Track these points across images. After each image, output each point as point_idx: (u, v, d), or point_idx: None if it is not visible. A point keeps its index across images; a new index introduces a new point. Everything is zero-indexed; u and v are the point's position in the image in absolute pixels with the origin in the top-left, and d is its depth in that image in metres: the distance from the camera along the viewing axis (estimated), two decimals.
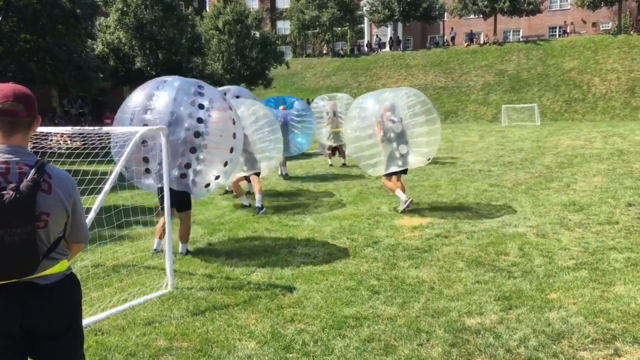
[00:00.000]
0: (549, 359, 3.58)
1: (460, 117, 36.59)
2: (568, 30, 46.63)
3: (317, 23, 50.82)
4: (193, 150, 5.94)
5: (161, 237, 6.20)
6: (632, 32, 40.08)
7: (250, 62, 36.97)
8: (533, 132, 23.67)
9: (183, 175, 5.99)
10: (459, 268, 5.55)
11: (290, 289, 5.03)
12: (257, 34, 39.30)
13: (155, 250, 6.34)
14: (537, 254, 5.95)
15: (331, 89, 43.09)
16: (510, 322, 4.17)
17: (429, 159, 8.48)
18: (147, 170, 5.94)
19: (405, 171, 8.46)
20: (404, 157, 8.10)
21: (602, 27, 46.62)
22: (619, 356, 3.59)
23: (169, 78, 6.32)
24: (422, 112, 8.13)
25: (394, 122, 8.03)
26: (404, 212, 8.20)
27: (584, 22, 47.04)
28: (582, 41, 40.53)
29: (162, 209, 5.42)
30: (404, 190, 8.44)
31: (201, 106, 6.04)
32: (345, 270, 5.58)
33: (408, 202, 8.23)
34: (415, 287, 5.02)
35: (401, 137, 8.05)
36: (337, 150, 14.85)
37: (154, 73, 25.36)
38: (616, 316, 4.21)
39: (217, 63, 35.87)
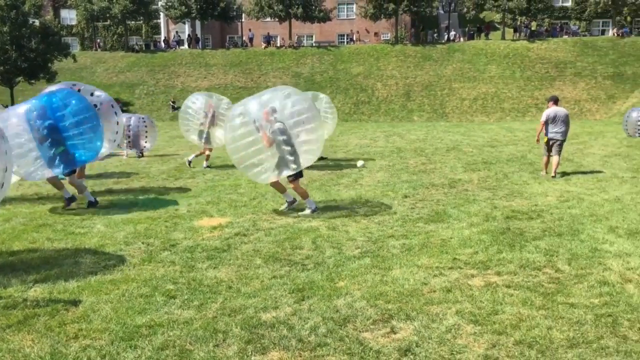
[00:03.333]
0: (336, 343, 3.83)
1: None
2: (354, 38, 50.81)
3: (107, 15, 47.53)
4: None
5: None
6: (407, 43, 45.28)
7: (28, 54, 33.08)
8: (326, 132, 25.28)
9: None
10: (256, 265, 5.66)
11: (75, 303, 4.60)
12: (37, 22, 35.29)
13: None
14: (328, 245, 6.35)
15: (125, 86, 40.77)
16: (303, 312, 4.37)
17: (319, 156, 8.46)
18: None
19: (300, 173, 8.19)
20: (295, 159, 7.81)
21: (383, 37, 51.79)
22: (395, 333, 4.01)
23: None
24: (305, 111, 7.89)
25: (277, 124, 7.68)
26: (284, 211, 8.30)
27: (368, 31, 51.73)
28: (366, 49, 44.55)
29: None
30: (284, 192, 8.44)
31: None
32: (139, 277, 5.30)
33: (291, 203, 8.41)
34: (213, 287, 4.98)
35: (288, 139, 7.73)
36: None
37: None
38: (393, 297, 4.69)
39: None
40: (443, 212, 8.05)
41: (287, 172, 7.94)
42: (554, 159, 11.20)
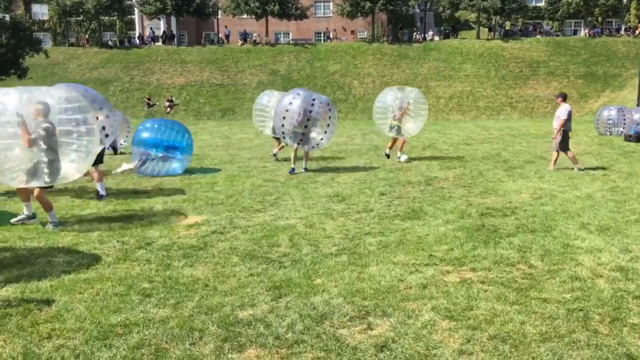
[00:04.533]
0: (312, 340, 3.85)
1: (237, 115, 37.28)
2: (331, 36, 50.88)
3: (80, 10, 46.71)
4: None
5: None
6: (383, 41, 45.51)
7: None
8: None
9: None
10: (233, 263, 5.63)
11: (48, 302, 4.52)
12: (7, 17, 34.51)
13: None
14: (305, 243, 6.36)
15: (99, 82, 40.17)
16: (280, 310, 4.37)
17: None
18: None
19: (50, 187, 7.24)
20: (51, 171, 6.76)
21: (360, 35, 51.97)
22: (371, 329, 4.04)
23: None
24: (77, 111, 6.90)
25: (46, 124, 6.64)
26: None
27: (345, 29, 51.86)
28: (343, 47, 44.65)
29: None
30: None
31: None
32: (114, 275, 5.23)
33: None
34: (190, 285, 4.95)
35: (53, 145, 6.69)
36: None
37: None
38: (369, 294, 4.72)
39: None
40: (419, 210, 8.13)
41: (36, 183, 6.78)
42: (570, 153, 11.97)
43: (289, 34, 53.26)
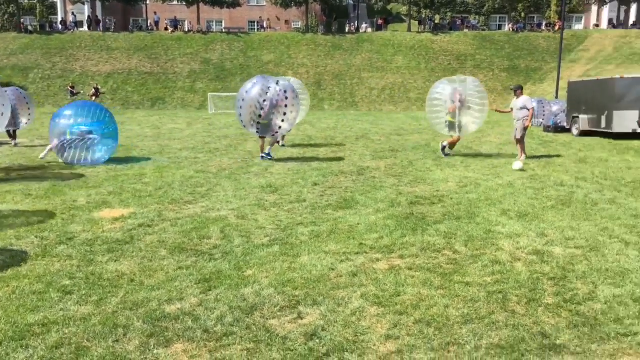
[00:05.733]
0: (242, 332, 3.81)
1: (167, 104, 36.30)
2: (265, 26, 50.41)
3: None
4: None
5: None
6: (317, 32, 45.57)
7: None
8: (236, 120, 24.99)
9: None
10: (161, 256, 5.49)
11: None
12: None
13: None
14: (237, 234, 6.29)
15: (18, 70, 38.00)
16: (209, 302, 4.31)
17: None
18: None
19: None
20: None
21: (294, 25, 51.82)
22: (302, 318, 4.05)
23: None
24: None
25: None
26: None
27: (278, 19, 51.52)
28: (277, 37, 44.36)
29: None
30: None
31: None
32: (32, 273, 4.96)
33: None
34: (114, 281, 4.77)
35: None
36: None
37: None
38: (300, 284, 4.73)
39: None
40: (351, 199, 8.23)
41: None
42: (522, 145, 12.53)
43: (221, 22, 52.30)
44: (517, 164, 11.07)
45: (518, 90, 12.60)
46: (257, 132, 11.91)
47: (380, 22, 49.89)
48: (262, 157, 12.37)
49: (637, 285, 4.62)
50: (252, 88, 11.63)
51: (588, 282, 4.73)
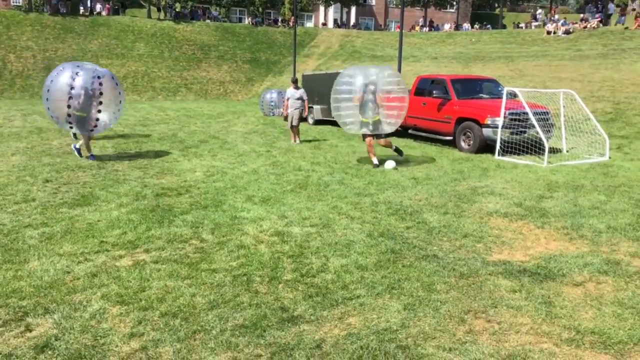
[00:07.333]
0: None
1: None
2: None
3: None
4: None
5: None
6: (44, 12, 40.72)
7: None
8: None
9: None
10: None
11: None
12: None
13: None
14: None
15: None
16: None
17: None
18: None
19: None
20: None
21: (14, 2, 45.40)
22: (30, 331, 3.61)
23: None
24: None
25: None
26: None
27: None
28: None
29: None
30: None
31: None
32: None
33: None
34: None
35: None
36: None
37: None
38: (29, 292, 4.22)
39: None
40: (90, 195, 7.63)
41: None
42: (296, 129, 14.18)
43: None
44: (390, 163, 10.09)
45: (295, 83, 14.39)
46: (71, 127, 10.40)
47: (123, 5, 46.94)
48: (92, 156, 10.89)
49: (359, 254, 5.30)
50: (58, 76, 10.16)
51: (321, 255, 5.25)
